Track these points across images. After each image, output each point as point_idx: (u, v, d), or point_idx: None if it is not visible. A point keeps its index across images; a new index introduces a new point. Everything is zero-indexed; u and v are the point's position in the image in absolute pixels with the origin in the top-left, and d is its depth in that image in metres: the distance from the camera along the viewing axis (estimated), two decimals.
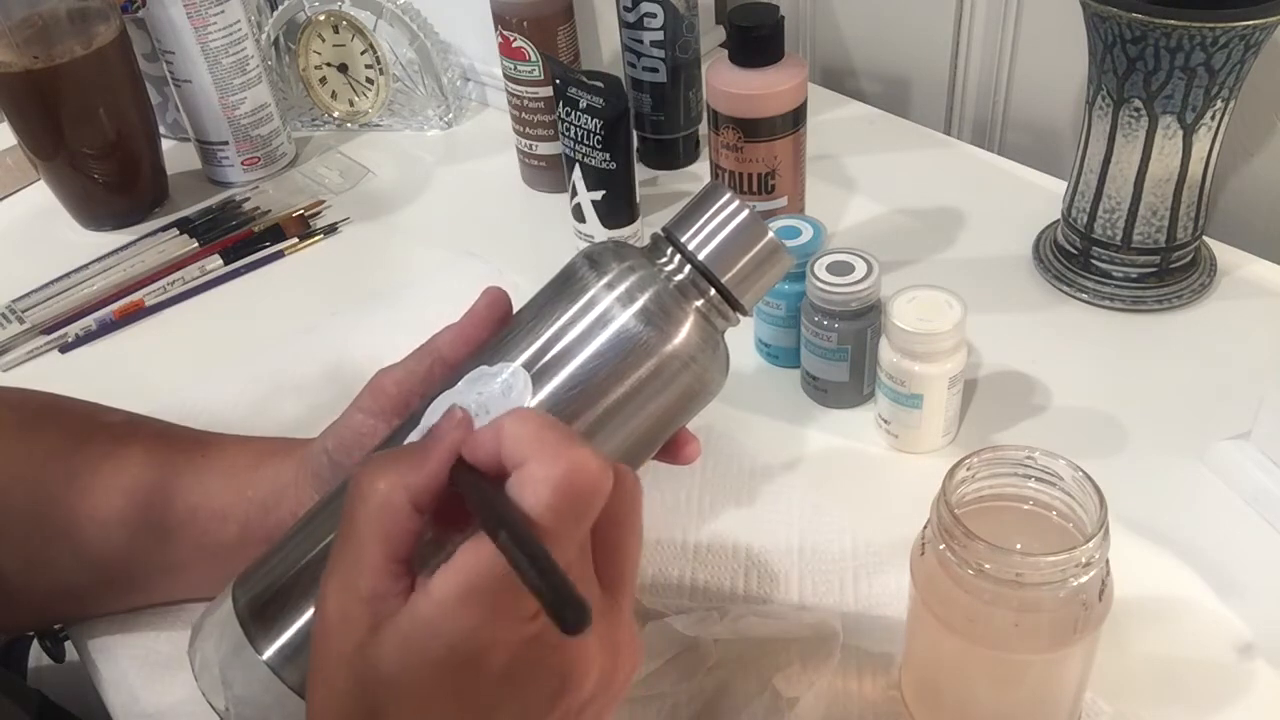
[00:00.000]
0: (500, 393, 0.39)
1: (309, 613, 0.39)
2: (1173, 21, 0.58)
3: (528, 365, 0.39)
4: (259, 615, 0.40)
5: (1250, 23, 0.58)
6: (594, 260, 0.40)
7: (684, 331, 0.40)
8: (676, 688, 0.48)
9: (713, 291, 0.41)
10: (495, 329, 0.43)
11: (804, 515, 0.58)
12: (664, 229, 0.41)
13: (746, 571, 0.55)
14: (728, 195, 0.41)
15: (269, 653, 0.39)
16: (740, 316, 0.42)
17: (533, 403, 0.39)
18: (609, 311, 0.39)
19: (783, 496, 0.60)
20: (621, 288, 0.39)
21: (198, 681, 0.41)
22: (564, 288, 0.40)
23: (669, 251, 0.41)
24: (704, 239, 0.40)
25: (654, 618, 0.50)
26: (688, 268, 0.40)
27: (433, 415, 0.40)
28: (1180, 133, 0.64)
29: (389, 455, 0.35)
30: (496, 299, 0.44)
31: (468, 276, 0.76)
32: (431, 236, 0.84)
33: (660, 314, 0.39)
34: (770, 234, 0.41)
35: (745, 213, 0.40)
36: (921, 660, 0.47)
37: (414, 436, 0.40)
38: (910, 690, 0.48)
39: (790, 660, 0.49)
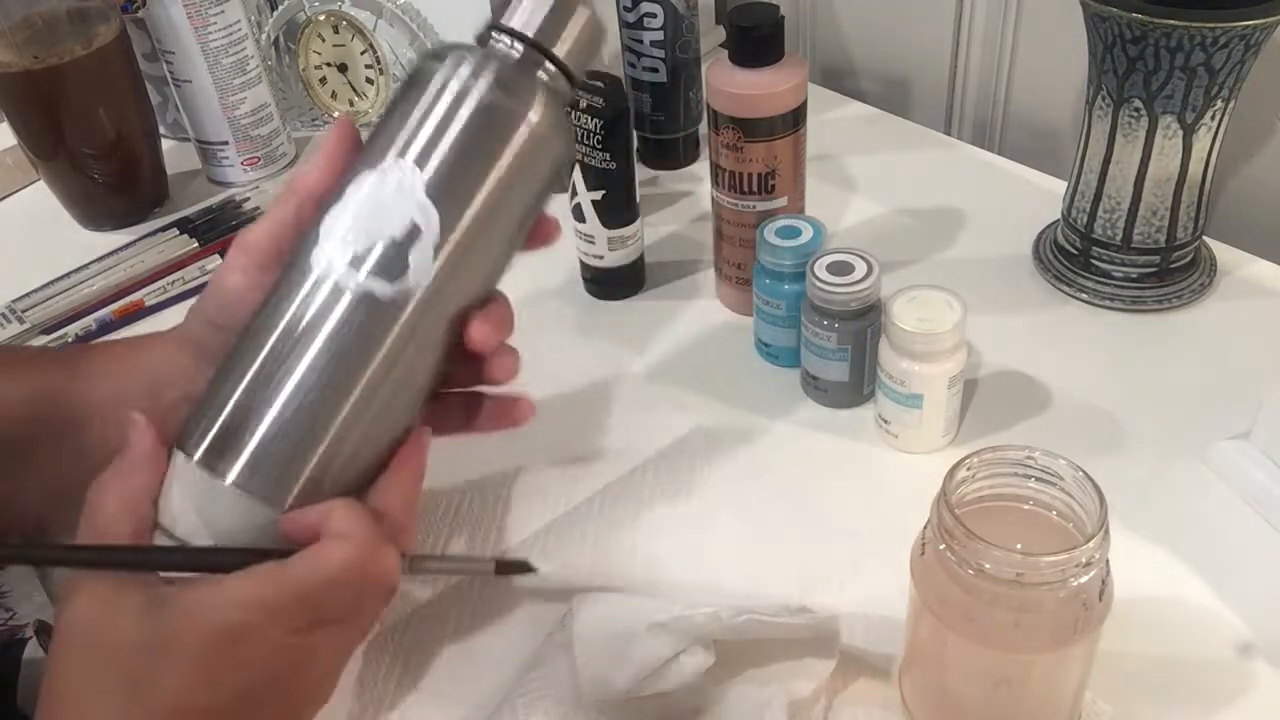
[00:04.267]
0: (395, 187, 0.42)
1: (260, 431, 0.42)
2: (1173, 21, 0.58)
3: (417, 159, 0.42)
4: (216, 450, 0.42)
5: (1250, 23, 0.58)
6: (436, 54, 0.44)
7: (536, 99, 0.43)
8: (676, 689, 0.48)
9: (547, 63, 0.44)
10: (354, 154, 0.45)
11: (804, 515, 0.58)
12: (488, 22, 0.45)
13: (746, 572, 0.55)
14: None
15: (235, 477, 0.42)
16: (571, 89, 0.45)
17: (422, 189, 0.42)
18: (466, 89, 0.42)
19: (782, 496, 0.60)
20: (470, 67, 0.43)
21: (173, 536, 0.42)
22: (415, 84, 0.43)
23: (498, 36, 0.44)
24: (527, 20, 0.44)
25: (654, 618, 0.50)
26: (521, 45, 0.44)
27: (331, 224, 0.43)
28: (1180, 133, 0.64)
29: (109, 474, 0.42)
30: (346, 125, 0.47)
31: None
32: None
33: (512, 85, 0.43)
34: (583, 7, 0.45)
35: None
36: (921, 660, 0.47)
37: (316, 252, 0.42)
38: (910, 690, 0.48)
39: (790, 661, 0.49)
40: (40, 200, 0.90)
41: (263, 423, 0.42)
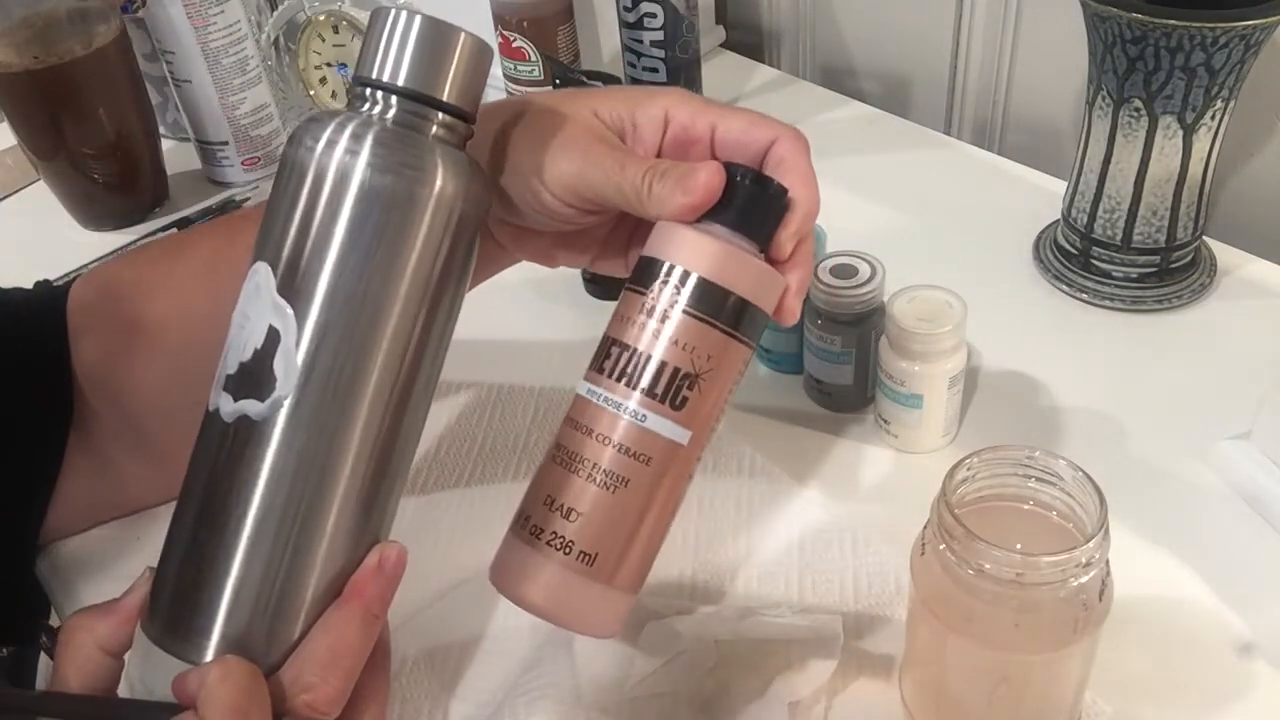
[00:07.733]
0: (254, 294, 0.37)
1: (166, 583, 0.39)
2: (1173, 21, 0.58)
3: (271, 260, 0.37)
4: (149, 604, 0.39)
5: (1250, 23, 0.58)
6: (297, 138, 0.37)
7: (428, 164, 0.37)
8: (676, 689, 0.48)
9: (437, 114, 0.38)
10: None
11: (804, 515, 0.58)
12: (353, 75, 0.38)
13: (746, 571, 0.55)
14: (394, 11, 0.38)
15: (148, 627, 0.39)
16: (466, 125, 0.39)
17: (274, 288, 0.37)
18: (344, 173, 0.36)
19: (784, 498, 0.60)
20: (341, 146, 0.36)
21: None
22: (281, 175, 0.38)
23: (369, 94, 0.38)
24: (394, 66, 0.37)
25: (654, 618, 0.50)
26: (396, 99, 0.37)
27: (223, 353, 0.39)
28: (1180, 133, 0.64)
29: (88, 609, 0.41)
30: None
31: None
32: None
33: (397, 155, 0.36)
34: (459, 30, 0.38)
35: (420, 20, 0.38)
36: (921, 660, 0.47)
37: (212, 388, 0.38)
38: (910, 691, 0.48)
39: (791, 662, 0.49)
40: (40, 200, 0.90)
41: (166, 575, 0.39)
